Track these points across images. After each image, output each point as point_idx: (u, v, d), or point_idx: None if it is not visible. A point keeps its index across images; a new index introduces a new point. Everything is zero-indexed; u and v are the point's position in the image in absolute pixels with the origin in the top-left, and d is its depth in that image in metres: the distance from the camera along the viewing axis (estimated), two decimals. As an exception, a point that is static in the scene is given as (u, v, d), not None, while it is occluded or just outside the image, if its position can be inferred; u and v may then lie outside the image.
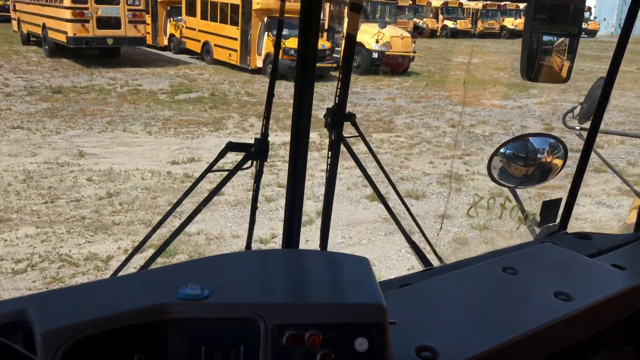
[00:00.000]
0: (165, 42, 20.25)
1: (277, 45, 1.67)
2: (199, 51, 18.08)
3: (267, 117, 1.59)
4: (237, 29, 16.17)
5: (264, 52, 15.52)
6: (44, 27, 16.65)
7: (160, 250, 1.61)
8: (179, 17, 19.09)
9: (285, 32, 16.17)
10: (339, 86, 1.66)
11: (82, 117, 9.71)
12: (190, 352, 0.90)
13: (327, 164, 1.70)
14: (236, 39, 16.25)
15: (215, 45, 17.22)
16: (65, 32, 15.17)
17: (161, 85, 13.27)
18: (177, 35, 19.33)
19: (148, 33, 18.48)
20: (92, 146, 7.98)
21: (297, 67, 1.40)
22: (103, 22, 15.42)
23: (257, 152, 1.59)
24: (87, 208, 5.76)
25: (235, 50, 16.36)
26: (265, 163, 1.62)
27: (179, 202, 1.63)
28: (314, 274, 1.10)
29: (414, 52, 17.82)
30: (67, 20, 14.98)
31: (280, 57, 14.45)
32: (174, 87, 13.19)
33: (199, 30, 17.86)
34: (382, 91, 14.32)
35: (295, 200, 1.53)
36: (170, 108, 10.88)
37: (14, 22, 20.22)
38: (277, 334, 0.90)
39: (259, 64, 15.76)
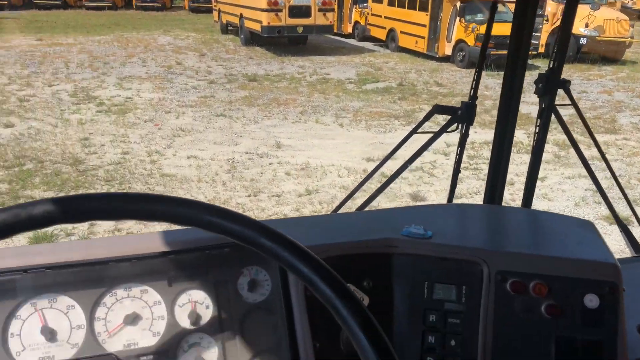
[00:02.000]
0: (350, 30, 20.24)
1: (491, 13, 1.77)
2: (383, 38, 17.68)
3: (476, 80, 1.61)
4: (427, 14, 15.37)
5: (454, 39, 14.52)
6: (241, 17, 17.62)
7: (373, 197, 1.75)
8: (364, 4, 18.88)
9: (480, 17, 14.84)
10: (554, 50, 1.58)
11: (277, 106, 9.86)
12: (413, 286, 0.98)
13: (535, 132, 1.67)
14: (424, 26, 15.48)
15: (401, 32, 16.65)
16: (260, 22, 15.83)
17: (348, 75, 13.11)
18: (362, 22, 19.15)
19: (334, 21, 18.59)
20: (287, 137, 7.97)
21: (509, 49, 1.44)
22: (295, 11, 15.76)
23: (464, 115, 1.62)
24: (288, 205, 5.61)
25: (423, 37, 15.61)
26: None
27: (384, 160, 1.75)
28: (535, 228, 1.12)
29: (631, 37, 15.29)
30: (263, 10, 15.59)
31: (472, 44, 13.46)
32: (360, 76, 12.93)
33: (385, 17, 17.43)
34: (592, 82, 12.45)
35: (501, 157, 1.56)
36: (359, 99, 10.60)
37: (215, 13, 21.86)
38: (501, 280, 0.94)
39: (448, 51, 14.82)
